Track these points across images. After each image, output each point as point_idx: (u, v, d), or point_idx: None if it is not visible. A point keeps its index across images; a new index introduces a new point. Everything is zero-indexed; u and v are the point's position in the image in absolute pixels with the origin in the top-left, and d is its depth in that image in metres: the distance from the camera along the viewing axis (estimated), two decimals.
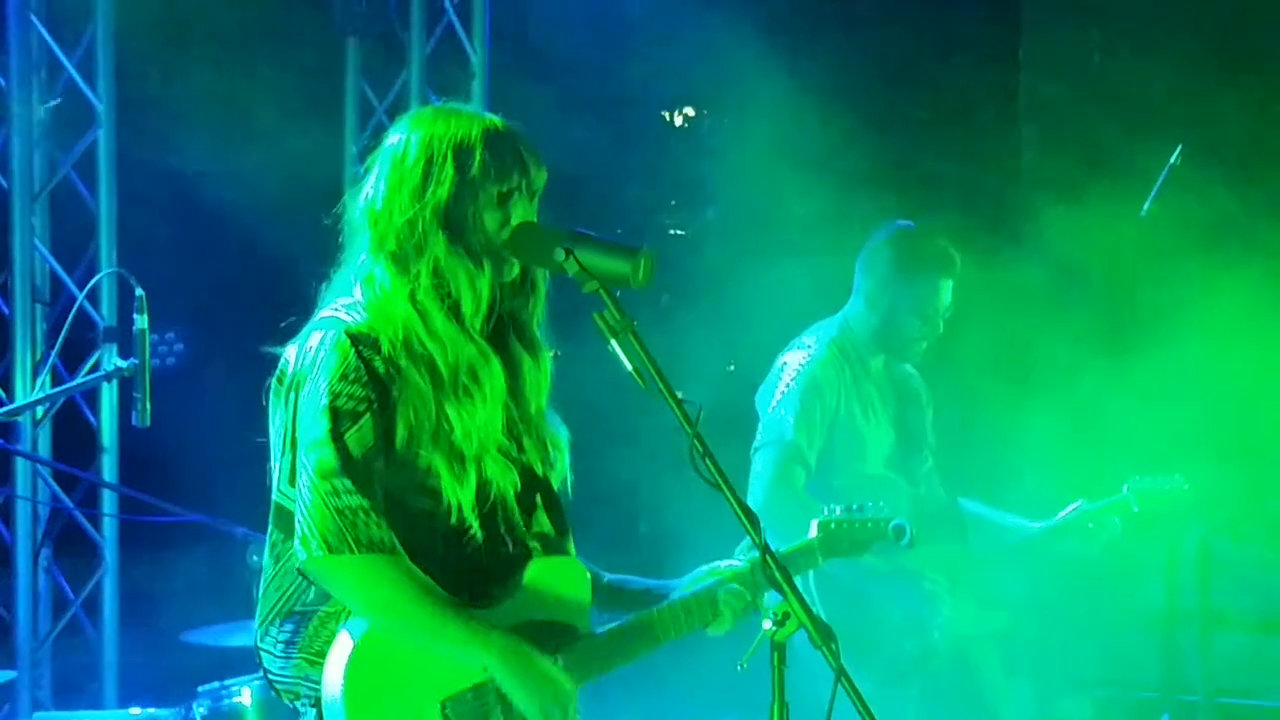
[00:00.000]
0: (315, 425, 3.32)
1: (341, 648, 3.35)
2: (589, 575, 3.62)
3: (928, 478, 5.74)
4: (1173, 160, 6.48)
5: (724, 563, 3.82)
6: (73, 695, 6.91)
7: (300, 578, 3.41)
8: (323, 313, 3.46)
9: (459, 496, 3.40)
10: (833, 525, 4.26)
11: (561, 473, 3.66)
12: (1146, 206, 6.47)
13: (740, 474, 5.44)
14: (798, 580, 3.25)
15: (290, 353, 3.44)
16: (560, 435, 3.67)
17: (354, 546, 3.30)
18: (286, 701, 3.48)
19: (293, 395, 3.39)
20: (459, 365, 3.43)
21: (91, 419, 6.96)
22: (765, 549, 3.16)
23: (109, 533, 6.97)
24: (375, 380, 3.35)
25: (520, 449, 3.55)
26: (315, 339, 3.39)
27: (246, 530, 5.25)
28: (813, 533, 4.22)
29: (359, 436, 3.33)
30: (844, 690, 3.05)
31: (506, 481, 3.48)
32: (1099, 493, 5.81)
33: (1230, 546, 6.89)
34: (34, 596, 6.90)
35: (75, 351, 6.82)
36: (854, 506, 4.32)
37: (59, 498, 6.91)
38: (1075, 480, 6.04)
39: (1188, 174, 6.43)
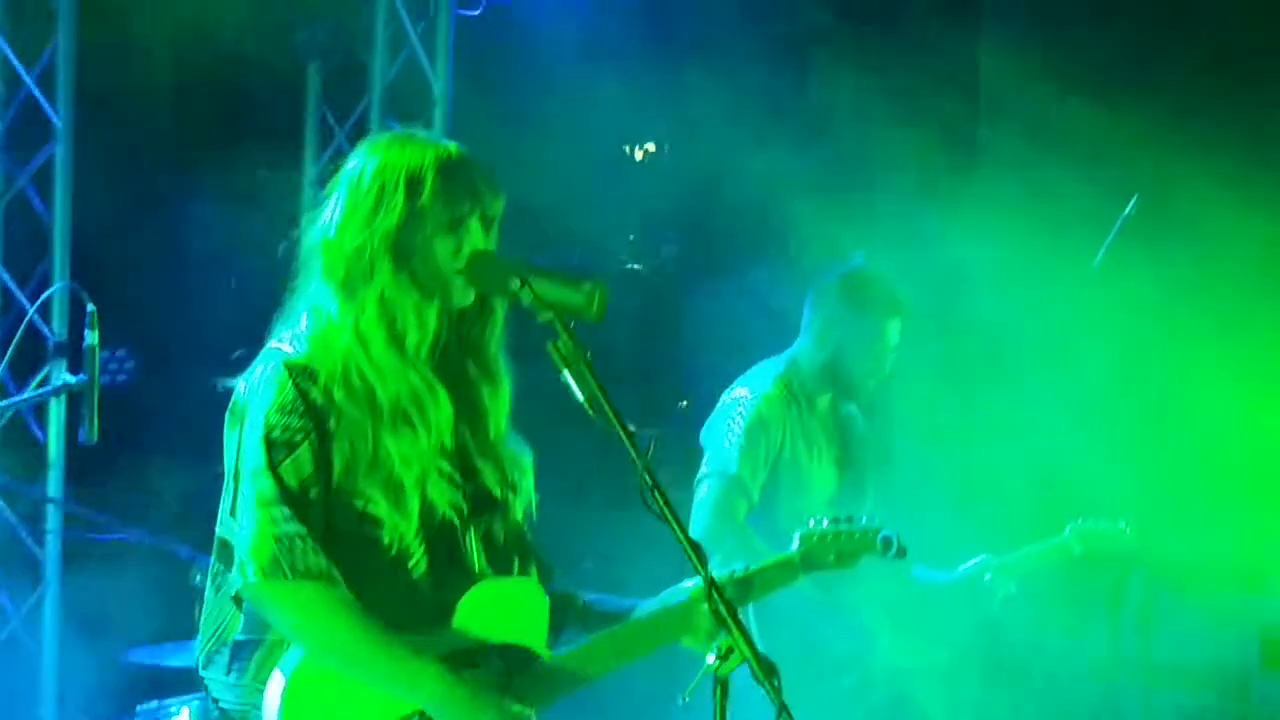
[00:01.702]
0: (255, 455, 3.34)
1: (280, 675, 3.34)
2: (546, 596, 3.60)
3: (870, 519, 5.74)
4: (1128, 211, 6.51)
5: (689, 582, 3.72)
6: (11, 712, 6.84)
7: (234, 607, 3.41)
8: (271, 343, 3.47)
9: (400, 524, 3.40)
10: (815, 538, 4.21)
11: (526, 495, 3.65)
12: (1099, 257, 6.49)
13: (689, 508, 5.45)
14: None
15: (241, 385, 3.45)
16: (523, 457, 3.66)
17: (289, 573, 3.29)
18: None
19: (239, 427, 3.40)
20: (400, 396, 3.42)
21: (39, 434, 6.91)
22: (711, 582, 3.16)
23: (52, 550, 6.91)
24: (312, 411, 3.36)
25: (474, 474, 3.55)
26: (259, 371, 3.41)
27: (190, 550, 5.22)
28: (795, 545, 4.18)
29: (295, 467, 3.33)
30: None
31: (451, 507, 3.48)
32: (1043, 533, 5.84)
33: (1174, 596, 6.92)
34: None
35: (24, 365, 6.78)
36: (842, 518, 4.29)
37: (2, 512, 6.86)
38: (1021, 522, 6.06)
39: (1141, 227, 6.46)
